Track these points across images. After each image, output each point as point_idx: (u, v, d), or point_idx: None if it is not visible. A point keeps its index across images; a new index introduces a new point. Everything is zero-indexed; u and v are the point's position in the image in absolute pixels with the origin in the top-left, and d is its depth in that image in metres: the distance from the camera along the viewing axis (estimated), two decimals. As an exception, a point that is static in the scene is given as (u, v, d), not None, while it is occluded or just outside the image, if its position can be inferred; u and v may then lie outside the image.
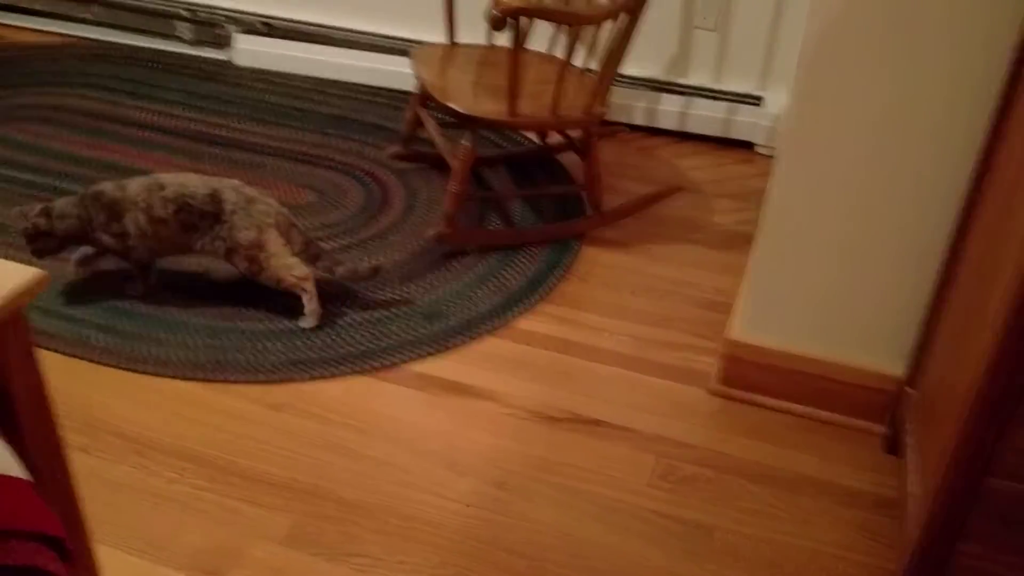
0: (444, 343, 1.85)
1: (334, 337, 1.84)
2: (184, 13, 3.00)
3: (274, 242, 1.81)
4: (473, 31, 2.53)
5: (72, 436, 1.58)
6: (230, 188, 1.82)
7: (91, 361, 1.75)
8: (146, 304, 1.89)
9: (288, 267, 1.83)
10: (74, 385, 1.69)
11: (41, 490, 0.94)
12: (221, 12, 2.97)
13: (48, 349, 1.75)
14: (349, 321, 1.88)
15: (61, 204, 1.80)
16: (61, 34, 3.11)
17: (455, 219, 2.09)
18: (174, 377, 1.72)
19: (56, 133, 2.49)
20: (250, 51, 2.94)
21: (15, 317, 0.91)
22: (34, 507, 0.92)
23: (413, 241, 2.15)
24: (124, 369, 1.73)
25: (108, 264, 1.95)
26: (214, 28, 2.99)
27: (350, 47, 2.88)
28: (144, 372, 1.73)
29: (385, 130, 2.62)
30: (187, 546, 1.40)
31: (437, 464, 1.57)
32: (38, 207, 1.79)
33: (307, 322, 1.86)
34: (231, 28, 2.97)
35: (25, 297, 0.89)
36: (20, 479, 0.91)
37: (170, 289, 1.94)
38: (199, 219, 1.79)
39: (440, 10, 2.34)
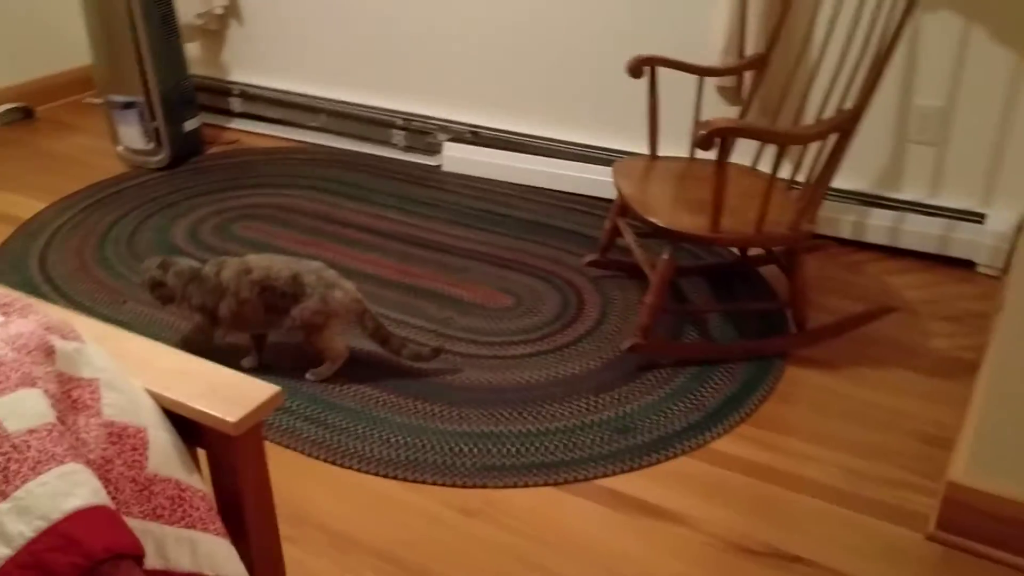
0: (636, 460, 1.81)
1: (526, 445, 1.85)
2: (399, 122, 3.22)
3: (333, 327, 2.01)
4: (674, 144, 2.55)
5: (280, 526, 1.65)
6: (311, 272, 1.99)
7: (300, 452, 1.84)
8: (352, 399, 1.98)
9: (334, 347, 2.03)
10: (284, 475, 1.78)
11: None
12: (433, 121, 3.17)
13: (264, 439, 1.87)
14: (540, 429, 1.89)
15: (178, 265, 2.02)
16: (293, 140, 3.41)
17: (650, 331, 2.07)
18: (375, 474, 1.78)
19: (281, 232, 2.71)
20: (457, 158, 3.11)
21: (254, 429, 0.98)
22: None
23: (607, 350, 2.15)
24: (329, 462, 1.81)
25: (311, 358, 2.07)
26: (425, 136, 3.19)
27: (550, 155, 2.98)
28: (347, 467, 1.80)
29: (582, 237, 2.67)
30: (378, 649, 1.42)
31: (628, 589, 1.52)
32: (158, 259, 2.02)
33: (313, 376, 2.05)
34: (441, 136, 3.15)
35: (264, 411, 0.96)
36: None
37: (370, 382, 2.03)
38: (280, 299, 1.97)
39: (641, 122, 2.39)
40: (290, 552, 1.60)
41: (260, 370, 2.09)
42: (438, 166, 3.16)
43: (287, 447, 1.85)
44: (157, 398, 0.98)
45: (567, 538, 1.63)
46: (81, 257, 2.57)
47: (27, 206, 2.87)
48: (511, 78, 3.00)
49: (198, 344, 2.04)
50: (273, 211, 2.84)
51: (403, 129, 3.23)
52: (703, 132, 1.80)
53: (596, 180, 2.87)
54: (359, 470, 1.80)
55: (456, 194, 2.96)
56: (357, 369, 2.08)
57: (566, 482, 1.76)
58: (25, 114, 3.60)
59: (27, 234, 2.70)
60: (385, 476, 1.78)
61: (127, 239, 2.67)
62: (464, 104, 3.13)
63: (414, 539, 1.63)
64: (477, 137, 3.10)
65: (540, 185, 2.98)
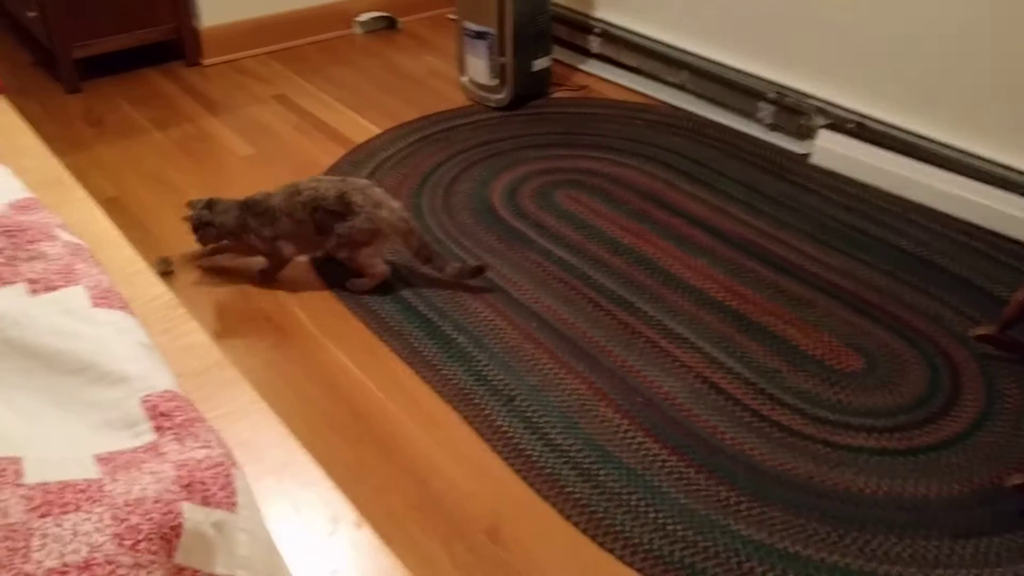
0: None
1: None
2: (771, 95, 2.71)
3: (378, 244, 2.02)
4: None
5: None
6: (358, 190, 1.99)
7: (559, 510, 1.54)
8: (632, 454, 1.63)
9: (375, 265, 2.03)
10: (532, 531, 1.49)
11: None
12: (811, 101, 2.62)
13: (524, 478, 1.59)
14: (862, 569, 1.42)
15: (224, 203, 2.03)
16: (644, 95, 3.03)
17: (1057, 471, 1.49)
18: (638, 569, 1.44)
19: (605, 209, 2.37)
20: (832, 151, 2.55)
21: None
22: None
23: (981, 474, 1.59)
24: (588, 535, 1.49)
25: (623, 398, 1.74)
26: (798, 116, 2.65)
27: (956, 170, 2.32)
28: (608, 548, 1.47)
29: (979, 292, 2.04)
30: None
31: None
32: (204, 200, 2.03)
33: (352, 286, 2.06)
34: (817, 120, 2.60)
35: None
36: None
37: (655, 434, 1.66)
38: (329, 218, 1.98)
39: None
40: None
41: (541, 389, 1.80)
42: (806, 155, 2.62)
43: (545, 497, 1.56)
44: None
45: None
46: (396, 199, 2.43)
47: (363, 129, 2.79)
48: (923, 61, 2.36)
49: (275, 270, 2.09)
50: (603, 182, 2.51)
51: (773, 103, 2.71)
52: None
53: (1016, 216, 2.19)
54: (621, 559, 1.46)
55: (821, 197, 2.42)
56: (640, 415, 1.71)
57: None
58: (388, 23, 3.56)
59: (353, 162, 2.61)
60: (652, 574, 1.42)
61: (445, 187, 2.48)
62: (853, 85, 2.54)
63: None
64: (862, 130, 2.51)
65: (935, 207, 2.35)
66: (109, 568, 0.55)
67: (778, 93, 2.69)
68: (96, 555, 0.55)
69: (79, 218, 1.06)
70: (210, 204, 2.04)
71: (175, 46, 3.25)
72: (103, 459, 0.63)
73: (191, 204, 2.06)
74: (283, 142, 2.72)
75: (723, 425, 1.70)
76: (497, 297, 2.04)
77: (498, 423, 1.70)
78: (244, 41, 3.32)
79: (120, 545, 0.56)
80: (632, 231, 2.28)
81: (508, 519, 1.52)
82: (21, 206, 0.89)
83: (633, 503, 1.54)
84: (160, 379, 0.72)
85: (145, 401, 0.69)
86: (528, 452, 1.64)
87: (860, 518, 1.52)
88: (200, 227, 2.05)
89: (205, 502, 0.63)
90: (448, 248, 2.21)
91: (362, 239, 1.99)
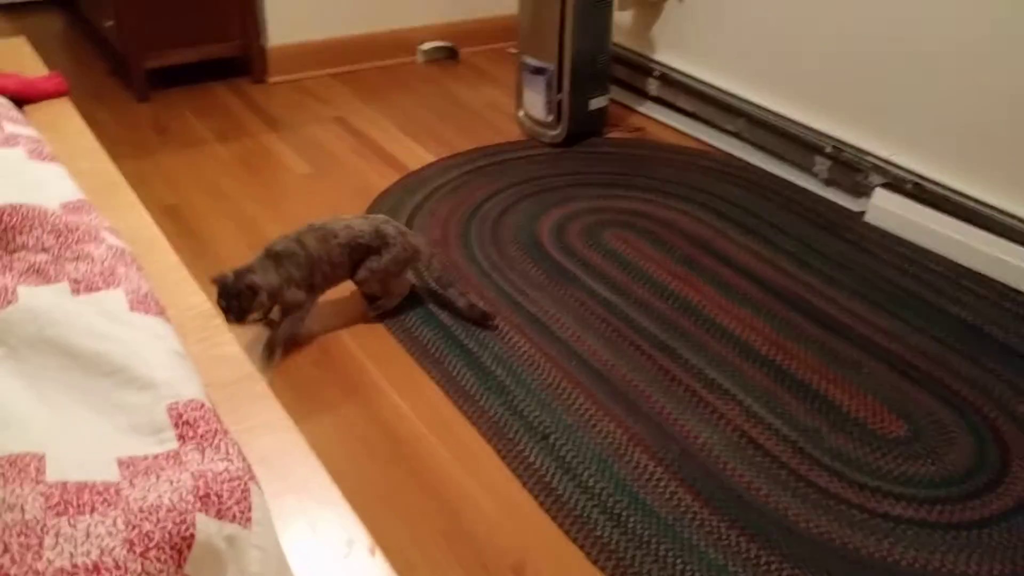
0: None
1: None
2: (828, 149, 2.69)
3: (408, 269, 2.07)
4: None
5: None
6: (385, 223, 2.02)
7: (586, 553, 1.52)
8: (665, 503, 1.61)
9: (405, 285, 2.10)
10: (560, 574, 1.48)
11: None
12: (869, 158, 2.59)
13: (553, 518, 1.58)
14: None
15: (251, 266, 1.88)
16: (700, 141, 3.03)
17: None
18: (661, 622, 1.41)
19: (653, 252, 2.36)
20: (887, 211, 2.52)
21: None
22: None
23: (1026, 555, 1.54)
24: (613, 581, 1.47)
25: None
26: (854, 173, 2.63)
27: (1010, 238, 2.28)
28: (632, 597, 1.45)
29: (1030, 367, 1.99)
30: None
31: None
32: (230, 273, 1.84)
33: (380, 308, 2.07)
34: (874, 179, 2.57)
35: None
36: None
37: (688, 483, 1.63)
38: (365, 253, 1.99)
39: None
40: None
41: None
42: (861, 214, 2.59)
43: (573, 539, 1.54)
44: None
45: None
46: (445, 228, 2.45)
47: (418, 156, 2.83)
48: (986, 126, 2.33)
49: (298, 324, 2.00)
50: (652, 225, 2.50)
51: (830, 158, 2.69)
52: None
53: (1071, 291, 2.14)
54: (644, 609, 1.43)
55: (874, 257, 2.39)
56: (674, 463, 1.69)
57: None
58: (450, 54, 3.61)
59: (406, 188, 2.64)
60: (673, 630, 1.40)
61: (494, 219, 2.50)
62: (914, 145, 2.51)
63: None
64: (920, 191, 2.48)
65: (990, 274, 2.31)
66: (117, 573, 0.55)
67: (836, 148, 2.67)
68: (106, 559, 0.55)
69: (130, 223, 1.08)
70: (242, 272, 1.84)
71: (242, 62, 3.33)
72: (124, 463, 0.63)
73: (220, 281, 1.83)
74: (340, 163, 2.76)
75: (758, 481, 1.67)
76: (538, 332, 2.03)
77: (531, 460, 1.69)
78: (309, 62, 3.39)
79: (131, 551, 0.56)
80: (679, 276, 2.27)
81: (535, 557, 1.50)
82: (73, 207, 0.92)
83: (661, 553, 1.52)
84: (188, 388, 0.72)
85: (171, 409, 0.70)
86: (559, 492, 1.63)
87: (894, 589, 1.48)
88: (249, 298, 1.83)
89: (220, 515, 0.63)
90: (494, 282, 2.22)
91: (397, 269, 2.03)
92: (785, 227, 2.51)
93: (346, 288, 2.13)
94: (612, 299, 2.17)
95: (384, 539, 1.52)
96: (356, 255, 1.99)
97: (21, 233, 0.84)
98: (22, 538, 0.55)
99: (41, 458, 0.61)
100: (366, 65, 3.51)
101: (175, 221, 2.39)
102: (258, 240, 2.32)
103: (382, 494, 1.61)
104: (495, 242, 2.38)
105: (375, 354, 1.96)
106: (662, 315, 2.11)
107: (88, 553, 0.55)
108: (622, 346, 2.01)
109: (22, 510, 0.57)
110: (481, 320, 2.05)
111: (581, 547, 1.53)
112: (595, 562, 1.50)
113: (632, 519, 1.58)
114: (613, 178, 2.75)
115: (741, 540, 1.55)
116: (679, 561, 1.50)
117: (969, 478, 1.71)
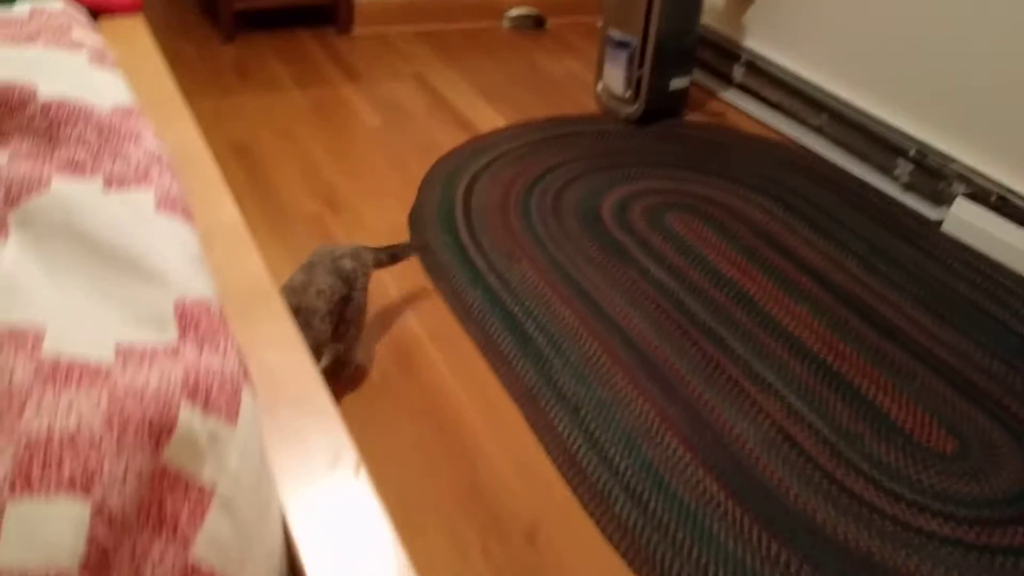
0: None
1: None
2: (912, 152, 2.58)
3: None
4: None
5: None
6: (342, 258, 1.66)
7: (601, 528, 1.50)
8: (691, 490, 1.58)
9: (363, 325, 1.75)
10: (572, 545, 1.46)
11: None
12: (954, 165, 2.48)
13: (573, 489, 1.56)
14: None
15: (306, 313, 1.58)
16: (779, 132, 2.94)
17: None
18: (668, 606, 1.39)
19: (715, 239, 2.31)
20: (967, 222, 2.40)
21: None
22: None
23: (1064, 590, 1.47)
24: (626, 560, 1.45)
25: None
26: (937, 180, 2.52)
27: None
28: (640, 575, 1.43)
29: (1099, 398, 1.89)
30: None
31: None
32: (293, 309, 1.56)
33: (348, 367, 1.75)
34: (957, 188, 2.46)
35: None
36: None
37: (716, 472, 1.59)
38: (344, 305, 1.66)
39: None
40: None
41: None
42: (939, 223, 2.48)
43: (591, 513, 1.52)
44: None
45: None
46: (506, 193, 2.43)
47: (490, 119, 2.81)
48: (1088, 147, 2.20)
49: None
50: (718, 211, 2.44)
51: (912, 162, 2.58)
52: None
53: None
54: (653, 591, 1.41)
55: (946, 268, 2.29)
56: (705, 451, 1.65)
57: None
58: (536, 22, 3.58)
59: (475, 149, 2.63)
60: (680, 616, 1.37)
61: (557, 190, 2.47)
62: (1003, 156, 2.39)
63: None
64: (1004, 204, 2.36)
65: (1066, 298, 2.19)
66: (91, 446, 0.55)
67: (919, 152, 2.56)
68: (84, 431, 0.55)
69: (179, 137, 1.09)
70: (299, 310, 1.59)
71: (329, 11, 3.36)
72: (122, 349, 0.63)
73: (304, 312, 1.59)
74: (412, 119, 2.77)
75: (789, 479, 1.62)
76: (586, 306, 2.01)
77: (558, 430, 1.68)
78: (395, 17, 3.40)
79: (109, 428, 0.56)
80: (738, 266, 2.21)
81: (548, 525, 1.49)
82: (123, 112, 0.92)
83: (679, 538, 1.49)
84: (199, 288, 0.72)
85: (177, 304, 0.69)
86: (582, 464, 1.61)
87: (917, 606, 1.42)
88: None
89: (206, 409, 0.62)
90: (548, 252, 2.20)
91: (365, 298, 1.73)
92: (857, 228, 2.42)
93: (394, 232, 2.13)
94: (666, 281, 2.12)
95: (399, 488, 1.53)
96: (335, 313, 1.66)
97: (66, 126, 0.85)
98: (4, 401, 0.56)
99: (40, 333, 0.62)
100: (451, 26, 3.50)
101: (242, 158, 2.43)
102: (319, 186, 2.35)
103: (407, 444, 1.62)
104: (555, 212, 2.36)
105: (416, 304, 1.96)
106: (715, 302, 2.06)
107: (67, 423, 0.55)
108: (669, 329, 1.97)
109: (11, 375, 0.57)
110: (406, 251, 1.89)
111: (597, 522, 1.51)
112: (609, 539, 1.48)
113: (653, 501, 1.55)
114: (684, 161, 2.69)
115: (763, 536, 1.51)
116: (696, 549, 1.47)
117: (1014, 503, 1.63)
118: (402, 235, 2.19)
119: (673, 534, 1.50)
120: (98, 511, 0.54)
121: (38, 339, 0.61)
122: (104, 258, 0.71)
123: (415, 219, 2.27)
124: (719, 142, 2.83)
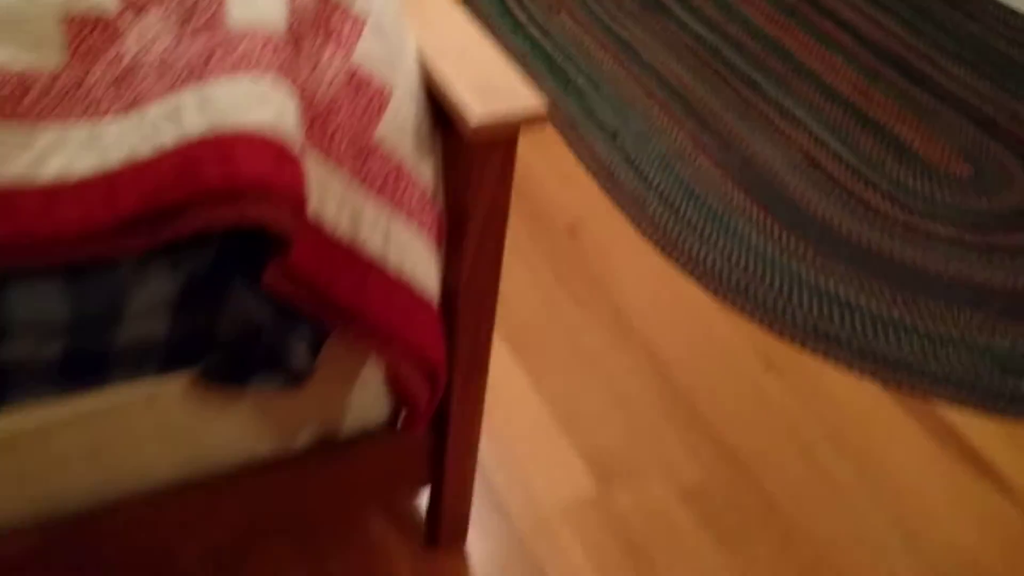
0: (1002, 406, 1.37)
1: (880, 334, 1.48)
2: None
3: None
4: None
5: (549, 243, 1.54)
6: None
7: (636, 225, 1.67)
8: (714, 192, 1.73)
9: None
10: (610, 239, 1.64)
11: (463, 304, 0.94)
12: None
13: (610, 195, 1.72)
14: (919, 328, 1.49)
15: None
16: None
17: None
18: (697, 282, 1.56)
19: None
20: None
21: (502, 145, 0.87)
22: (428, 328, 0.89)
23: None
24: (657, 247, 1.62)
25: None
26: (986, -53, 2.51)
27: None
28: (673, 259, 1.60)
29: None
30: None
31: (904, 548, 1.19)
32: None
33: None
34: (1005, -48, 2.46)
35: (520, 124, 0.85)
36: (430, 304, 0.89)
37: (745, 187, 1.74)
38: None
39: None
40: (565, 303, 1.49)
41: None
42: (982, -11, 2.50)
43: (627, 214, 1.68)
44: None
45: (862, 448, 1.30)
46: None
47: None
48: None
49: None
50: (761, -23, 2.49)
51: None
52: None
53: None
54: (683, 270, 1.58)
55: (987, 28, 2.33)
56: (736, 171, 1.80)
57: (899, 387, 1.39)
58: None
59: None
60: (707, 289, 1.55)
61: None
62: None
63: (699, 365, 1.42)
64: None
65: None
66: (271, 42, 0.76)
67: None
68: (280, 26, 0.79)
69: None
70: None
71: None
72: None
73: None
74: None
75: (811, 193, 1.76)
76: (624, 52, 2.11)
77: (596, 150, 1.82)
78: None
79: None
80: (778, 22, 2.28)
81: (588, 222, 1.66)
82: None
83: (707, 234, 1.65)
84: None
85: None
86: (618, 177, 1.76)
87: (920, 288, 1.57)
88: None
89: None
90: (587, 5, 2.27)
91: None
92: (899, -6, 2.46)
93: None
94: (704, 33, 2.21)
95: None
96: None
97: None
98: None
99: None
100: None
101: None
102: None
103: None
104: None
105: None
106: (752, 53, 2.16)
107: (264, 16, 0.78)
108: (705, 73, 2.08)
109: None
110: None
111: (632, 220, 1.67)
112: (643, 233, 1.65)
113: (684, 206, 1.71)
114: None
115: (783, 233, 1.66)
116: (722, 241, 1.64)
117: (1018, 214, 1.75)
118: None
119: (701, 230, 1.66)
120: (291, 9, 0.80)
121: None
122: None
123: (465, -16, 2.37)
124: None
